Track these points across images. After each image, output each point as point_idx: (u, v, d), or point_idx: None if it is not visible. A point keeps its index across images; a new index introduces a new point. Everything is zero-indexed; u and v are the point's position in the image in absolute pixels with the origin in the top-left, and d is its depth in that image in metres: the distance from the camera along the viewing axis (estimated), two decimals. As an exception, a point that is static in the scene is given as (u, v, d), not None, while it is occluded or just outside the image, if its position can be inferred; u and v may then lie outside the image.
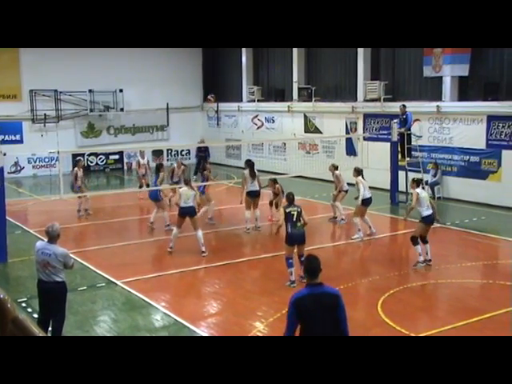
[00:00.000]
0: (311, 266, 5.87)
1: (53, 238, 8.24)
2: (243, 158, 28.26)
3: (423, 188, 12.80)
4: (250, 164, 15.96)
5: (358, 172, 15.03)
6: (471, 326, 9.17)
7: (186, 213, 13.26)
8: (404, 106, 19.39)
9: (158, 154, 30.60)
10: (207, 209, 16.37)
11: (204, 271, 12.44)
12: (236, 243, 15.02)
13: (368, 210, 15.77)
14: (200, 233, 13.28)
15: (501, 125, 18.28)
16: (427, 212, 12.19)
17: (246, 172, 15.68)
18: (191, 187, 13.59)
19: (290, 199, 11.28)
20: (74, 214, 17.50)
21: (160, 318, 9.95)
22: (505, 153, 18.19)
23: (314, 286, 5.76)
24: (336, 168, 16.79)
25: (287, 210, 11.06)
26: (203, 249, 13.23)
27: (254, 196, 15.68)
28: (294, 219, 10.96)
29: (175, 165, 18.79)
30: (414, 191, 12.37)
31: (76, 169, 17.82)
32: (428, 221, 12.32)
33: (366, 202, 14.67)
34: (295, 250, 11.26)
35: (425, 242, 12.37)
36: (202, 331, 9.26)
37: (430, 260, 12.36)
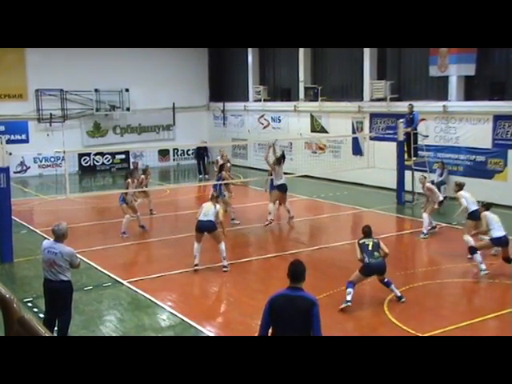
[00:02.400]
0: (295, 270, 5.87)
1: (59, 236, 8.26)
2: (249, 158, 28.34)
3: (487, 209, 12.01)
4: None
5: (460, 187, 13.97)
6: (476, 325, 9.16)
7: (203, 227, 12.34)
8: (411, 105, 19.35)
9: (164, 153, 30.68)
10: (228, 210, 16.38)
11: (210, 271, 12.43)
12: (242, 243, 15.03)
13: (374, 210, 15.77)
14: (223, 245, 12.40)
15: (507, 124, 18.21)
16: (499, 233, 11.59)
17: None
18: (215, 202, 12.71)
19: (365, 232, 10.60)
20: (80, 213, 17.55)
21: (166, 317, 9.96)
22: (511, 152, 18.13)
23: (293, 289, 5.78)
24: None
25: (360, 242, 10.45)
26: (225, 263, 12.37)
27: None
28: (370, 249, 10.27)
29: (143, 176, 16.99)
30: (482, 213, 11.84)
31: (142, 176, 16.74)
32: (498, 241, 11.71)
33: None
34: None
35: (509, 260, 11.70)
36: (209, 331, 9.27)
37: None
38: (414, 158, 19.30)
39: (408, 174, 19.09)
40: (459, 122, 19.63)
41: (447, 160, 20.07)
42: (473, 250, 11.77)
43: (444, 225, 16.11)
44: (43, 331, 3.07)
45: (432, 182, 19.73)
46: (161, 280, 11.84)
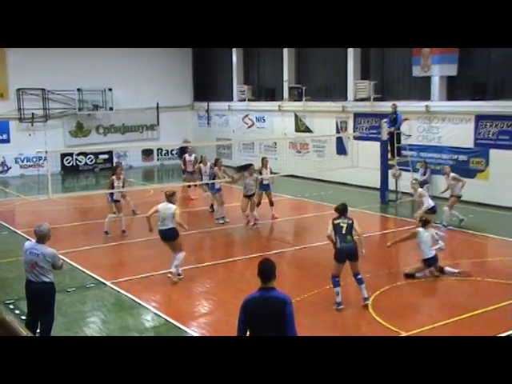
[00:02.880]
0: (264, 270, 5.82)
1: (41, 238, 8.17)
2: (234, 158, 28.33)
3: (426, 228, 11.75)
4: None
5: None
6: (460, 323, 9.23)
7: (164, 237, 11.59)
8: (395, 105, 19.47)
9: (147, 153, 30.56)
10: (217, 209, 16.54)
11: (195, 271, 12.40)
12: (227, 242, 15.02)
13: (359, 209, 15.87)
14: (181, 255, 11.56)
15: (488, 124, 18.39)
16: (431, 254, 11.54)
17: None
18: (172, 201, 11.57)
19: (340, 210, 10.09)
20: (62, 214, 17.41)
21: (150, 318, 9.92)
22: (492, 152, 18.31)
23: (265, 290, 5.74)
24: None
25: (335, 222, 9.92)
26: (173, 270, 11.50)
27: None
28: (344, 231, 9.82)
29: (114, 177, 16.59)
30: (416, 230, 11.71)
31: (114, 177, 16.31)
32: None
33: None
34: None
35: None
36: (193, 331, 9.25)
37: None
38: (398, 158, 19.43)
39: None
40: (442, 122, 19.78)
41: (430, 159, 20.22)
42: (409, 276, 11.51)
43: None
44: (25, 333, 3.05)
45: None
46: (145, 281, 11.78)
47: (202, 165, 18.14)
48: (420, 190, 14.43)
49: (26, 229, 14.93)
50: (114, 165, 16.90)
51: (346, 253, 9.82)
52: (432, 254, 11.58)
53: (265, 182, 16.77)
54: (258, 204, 16.59)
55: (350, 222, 9.91)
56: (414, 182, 14.94)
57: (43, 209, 18.60)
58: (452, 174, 15.73)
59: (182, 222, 11.74)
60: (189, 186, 20.09)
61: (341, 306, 9.91)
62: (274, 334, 5.46)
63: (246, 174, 15.99)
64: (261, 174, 16.70)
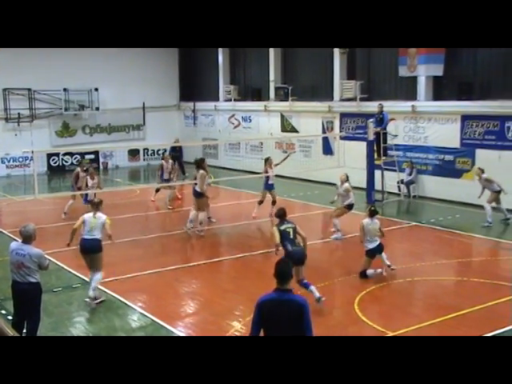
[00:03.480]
0: (281, 271, 5.66)
1: (27, 238, 8.14)
2: (220, 158, 28.34)
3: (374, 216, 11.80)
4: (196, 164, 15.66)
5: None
6: (446, 323, 9.28)
7: (86, 247, 10.28)
8: (381, 105, 19.55)
9: (133, 153, 30.45)
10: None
11: (181, 271, 12.39)
12: (213, 242, 15.00)
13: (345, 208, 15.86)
14: (99, 275, 10.40)
15: (474, 124, 18.51)
16: (371, 245, 11.57)
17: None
18: (100, 210, 10.59)
19: (281, 215, 10.24)
20: (48, 214, 17.31)
21: (137, 318, 9.90)
22: (478, 152, 18.43)
23: (282, 292, 5.59)
24: (483, 171, 16.15)
25: (281, 228, 10.01)
26: (90, 293, 10.26)
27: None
28: (291, 236, 9.97)
29: (79, 168, 17.50)
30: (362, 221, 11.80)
31: (79, 169, 17.37)
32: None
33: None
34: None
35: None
36: (180, 331, 9.24)
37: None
38: (384, 158, 19.50)
39: (378, 173, 19.28)
40: (428, 122, 19.89)
41: (416, 159, 20.32)
42: (363, 275, 11.50)
43: (414, 223, 16.31)
44: (11, 333, 3.03)
45: (401, 181, 20.01)
46: (131, 281, 11.75)
47: (163, 161, 18.09)
48: (347, 184, 14.77)
49: (12, 229, 14.83)
50: (87, 166, 16.62)
51: (298, 256, 9.75)
52: (373, 245, 11.45)
53: (270, 182, 16.95)
54: (261, 202, 16.91)
55: (294, 226, 10.10)
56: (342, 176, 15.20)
57: (29, 209, 18.49)
58: (484, 176, 15.94)
59: (112, 234, 10.51)
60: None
61: (323, 298, 9.90)
62: (293, 335, 5.32)
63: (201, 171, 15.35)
64: (266, 172, 16.95)
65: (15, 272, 8.12)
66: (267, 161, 17.30)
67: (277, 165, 17.44)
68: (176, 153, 25.87)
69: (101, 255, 10.40)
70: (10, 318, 8.93)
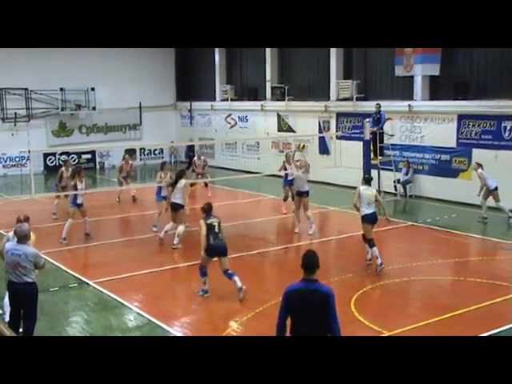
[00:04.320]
0: (308, 261, 5.85)
1: (22, 238, 8.14)
2: (216, 157, 28.32)
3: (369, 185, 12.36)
4: (177, 174, 14.67)
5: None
6: (443, 322, 9.29)
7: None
8: (379, 104, 19.55)
9: (130, 153, 30.42)
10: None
11: (177, 271, 12.38)
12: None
13: (340, 209, 15.94)
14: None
15: (471, 124, 18.54)
16: (367, 211, 11.94)
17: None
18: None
19: (207, 210, 10.67)
20: (45, 214, 17.28)
21: (133, 318, 9.89)
22: (475, 151, 18.44)
23: (309, 282, 5.77)
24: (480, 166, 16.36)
25: (208, 222, 10.47)
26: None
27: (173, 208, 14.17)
28: (216, 230, 10.49)
29: (63, 168, 17.54)
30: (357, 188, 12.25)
31: (63, 168, 17.34)
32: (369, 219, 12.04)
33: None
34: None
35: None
36: (176, 331, 9.23)
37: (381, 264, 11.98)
38: (380, 157, 19.53)
39: (374, 172, 19.28)
40: (424, 122, 19.92)
41: (412, 159, 20.35)
42: (370, 243, 12.02)
43: (410, 223, 16.33)
44: (8, 333, 3.03)
45: (398, 181, 20.03)
46: (127, 280, 11.75)
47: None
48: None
49: (8, 228, 14.77)
50: (75, 167, 16.24)
51: (218, 249, 10.39)
52: (369, 210, 11.89)
53: (289, 178, 16.92)
54: (285, 199, 17.28)
55: (219, 221, 10.61)
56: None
57: (26, 208, 18.38)
58: (479, 171, 16.10)
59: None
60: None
61: (206, 295, 10.52)
62: (318, 325, 5.58)
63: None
64: (285, 169, 16.99)
65: (11, 272, 8.11)
66: (287, 157, 17.36)
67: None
68: (191, 152, 25.75)
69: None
70: (6, 318, 8.90)
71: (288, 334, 5.70)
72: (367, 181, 12.38)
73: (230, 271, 10.48)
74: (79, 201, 14.74)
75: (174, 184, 14.07)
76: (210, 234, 10.38)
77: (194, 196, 19.37)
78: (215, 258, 10.63)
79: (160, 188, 15.49)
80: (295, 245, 14.36)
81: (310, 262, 5.85)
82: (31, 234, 8.80)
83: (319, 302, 5.65)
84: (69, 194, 15.18)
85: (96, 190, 19.53)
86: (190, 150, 26.60)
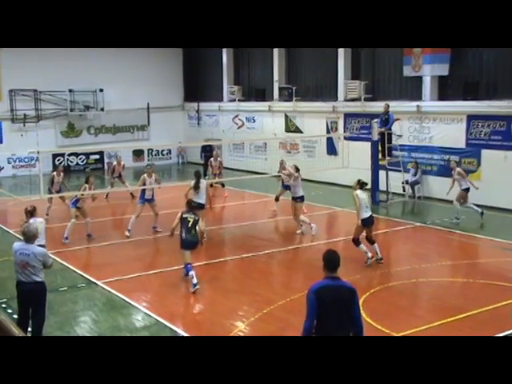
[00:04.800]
0: (331, 260, 5.98)
1: (30, 238, 8.19)
2: (224, 158, 28.27)
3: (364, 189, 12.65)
4: (196, 175, 14.85)
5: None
6: (451, 324, 9.24)
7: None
8: (387, 105, 19.50)
9: (138, 154, 30.51)
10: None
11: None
12: (216, 243, 14.98)
13: (349, 210, 15.86)
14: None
15: (480, 124, 18.45)
16: (366, 214, 12.29)
17: (192, 183, 14.66)
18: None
19: (190, 206, 11.33)
20: (54, 214, 17.35)
21: (141, 318, 9.90)
22: (484, 152, 18.37)
23: (333, 279, 5.90)
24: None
25: (184, 216, 11.06)
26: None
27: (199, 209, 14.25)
28: (189, 225, 10.97)
29: (55, 173, 17.67)
30: (353, 193, 12.44)
31: (54, 173, 17.54)
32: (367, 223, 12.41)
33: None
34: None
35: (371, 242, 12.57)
36: (183, 331, 9.24)
37: (381, 258, 12.51)
38: (388, 158, 19.46)
39: (382, 173, 19.24)
40: (433, 122, 19.85)
41: (421, 160, 20.28)
42: (357, 242, 12.39)
43: (418, 224, 16.27)
44: (17, 332, 3.04)
45: (406, 182, 19.96)
46: (136, 280, 11.77)
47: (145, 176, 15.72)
48: (297, 174, 15.19)
49: (18, 228, 14.85)
50: (86, 175, 16.17)
51: (188, 244, 11.06)
52: (367, 214, 12.24)
53: (285, 183, 17.01)
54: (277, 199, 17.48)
55: (197, 218, 11.17)
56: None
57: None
58: (458, 169, 16.31)
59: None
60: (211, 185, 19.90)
61: (197, 287, 10.84)
62: (346, 320, 5.74)
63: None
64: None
65: (20, 272, 8.14)
66: (280, 164, 17.61)
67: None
68: (207, 153, 25.65)
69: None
70: (15, 316, 8.95)
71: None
72: (362, 185, 12.60)
73: (189, 265, 11.06)
74: (79, 204, 14.75)
75: (195, 186, 14.27)
76: (182, 228, 11.03)
77: (211, 196, 19.38)
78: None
79: (144, 191, 15.35)
80: (303, 246, 14.33)
81: (333, 259, 5.99)
82: (40, 221, 10.24)
83: (347, 298, 5.81)
84: (75, 194, 15.24)
85: (104, 191, 19.55)
86: (206, 150, 26.32)
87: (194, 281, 10.86)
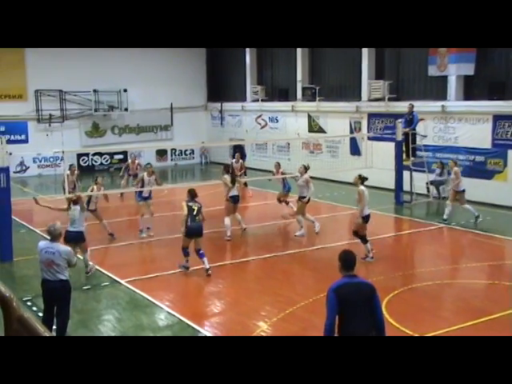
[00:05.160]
0: (347, 259, 6.15)
1: (55, 237, 8.31)
2: (247, 158, 28.32)
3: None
4: (228, 170, 15.47)
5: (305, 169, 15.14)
6: (476, 327, 9.13)
7: (70, 238, 11.57)
8: (412, 105, 19.34)
9: (161, 153, 30.69)
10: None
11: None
12: (239, 243, 15.01)
13: (372, 210, 15.77)
14: (87, 254, 12.04)
15: (507, 124, 18.21)
16: (368, 211, 12.53)
17: (227, 177, 15.05)
18: (82, 204, 12.03)
19: (192, 195, 11.91)
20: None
21: (164, 317, 9.96)
22: (511, 152, 18.13)
23: (350, 277, 6.06)
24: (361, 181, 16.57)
25: (189, 204, 11.74)
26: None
27: (235, 201, 15.25)
28: (195, 213, 11.67)
29: (68, 172, 17.18)
30: (359, 188, 12.61)
31: (68, 172, 16.96)
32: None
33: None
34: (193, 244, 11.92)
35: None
36: (206, 331, 9.27)
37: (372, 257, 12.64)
38: (413, 158, 19.31)
39: (406, 174, 19.10)
40: (458, 122, 19.64)
41: (446, 160, 20.06)
42: (363, 239, 12.54)
43: (443, 225, 16.12)
44: (42, 330, 3.07)
45: (430, 183, 19.78)
46: (159, 280, 11.84)
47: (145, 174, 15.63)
48: (306, 175, 15.01)
49: (43, 227, 15.02)
50: (95, 177, 15.90)
51: (195, 231, 11.66)
52: (368, 211, 12.55)
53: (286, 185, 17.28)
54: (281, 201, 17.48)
55: (200, 205, 11.86)
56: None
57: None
58: (455, 168, 16.22)
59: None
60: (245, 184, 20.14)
61: (187, 271, 11.85)
62: (367, 317, 5.88)
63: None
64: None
65: (45, 270, 8.25)
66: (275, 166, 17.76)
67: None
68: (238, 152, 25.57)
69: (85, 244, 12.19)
70: (40, 314, 9.06)
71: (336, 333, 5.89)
72: (364, 180, 12.85)
73: (201, 251, 11.79)
74: (92, 207, 14.62)
75: (233, 181, 14.92)
76: (188, 216, 11.59)
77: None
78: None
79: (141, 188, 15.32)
80: (325, 246, 14.27)
81: (350, 258, 6.16)
82: (79, 208, 11.76)
83: (366, 293, 5.96)
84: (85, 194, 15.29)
85: (128, 190, 19.65)
86: (237, 149, 26.10)
87: (187, 264, 11.84)
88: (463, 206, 16.06)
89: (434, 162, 20.22)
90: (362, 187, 12.56)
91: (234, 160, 21.31)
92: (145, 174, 15.50)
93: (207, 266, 11.72)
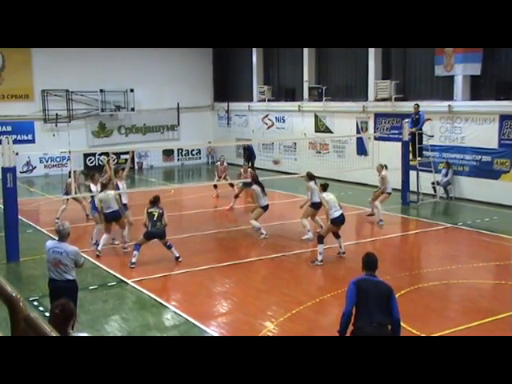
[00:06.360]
0: (370, 261, 6.72)
1: (63, 236, 8.32)
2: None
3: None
4: (259, 182, 15.36)
5: (310, 177, 14.76)
6: (483, 327, 9.11)
7: (110, 217, 13.41)
8: (418, 105, 19.30)
9: (168, 153, 30.73)
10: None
11: (214, 271, 12.44)
12: (246, 243, 15.02)
13: (380, 210, 15.80)
14: (126, 231, 13.78)
15: (513, 124, 18.16)
16: (337, 213, 12.63)
17: (257, 188, 15.03)
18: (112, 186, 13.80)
19: (152, 201, 12.49)
20: (83, 214, 17.53)
21: (170, 317, 9.97)
22: (517, 152, 18.07)
23: (371, 276, 6.63)
24: (384, 168, 16.89)
25: (149, 211, 12.32)
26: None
27: (265, 210, 15.23)
28: (155, 219, 12.24)
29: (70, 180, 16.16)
30: (321, 195, 13.10)
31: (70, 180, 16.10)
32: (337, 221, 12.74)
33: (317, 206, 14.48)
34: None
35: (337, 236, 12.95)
36: (212, 330, 9.27)
37: (343, 252, 13.01)
38: (419, 158, 19.26)
39: (413, 174, 19.05)
40: (465, 122, 19.59)
41: (452, 160, 20.02)
42: (320, 239, 12.64)
43: (449, 225, 16.08)
44: (49, 330, 3.08)
45: (437, 183, 19.73)
46: (165, 279, 11.86)
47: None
48: (309, 183, 14.71)
49: (49, 227, 15.09)
50: (90, 174, 15.61)
51: (155, 235, 12.41)
52: (338, 213, 12.64)
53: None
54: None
55: (161, 211, 12.42)
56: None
57: (67, 207, 18.73)
58: (383, 173, 16.67)
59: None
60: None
61: (133, 265, 12.29)
62: (384, 313, 6.39)
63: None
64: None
65: (52, 270, 8.27)
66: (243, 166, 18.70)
67: None
68: (248, 151, 25.42)
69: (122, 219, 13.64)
70: (46, 314, 9.08)
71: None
72: (324, 188, 13.23)
73: (168, 243, 12.58)
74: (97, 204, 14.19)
75: (263, 189, 15.14)
76: (148, 221, 12.23)
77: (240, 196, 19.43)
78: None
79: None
80: (332, 246, 14.25)
81: (372, 260, 6.73)
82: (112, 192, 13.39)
83: (383, 292, 6.47)
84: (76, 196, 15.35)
85: (134, 190, 19.72)
86: (246, 150, 25.89)
87: (134, 260, 12.30)
88: (376, 203, 16.53)
89: (441, 162, 20.18)
90: (322, 194, 13.00)
91: (218, 163, 21.08)
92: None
93: (176, 255, 12.58)
